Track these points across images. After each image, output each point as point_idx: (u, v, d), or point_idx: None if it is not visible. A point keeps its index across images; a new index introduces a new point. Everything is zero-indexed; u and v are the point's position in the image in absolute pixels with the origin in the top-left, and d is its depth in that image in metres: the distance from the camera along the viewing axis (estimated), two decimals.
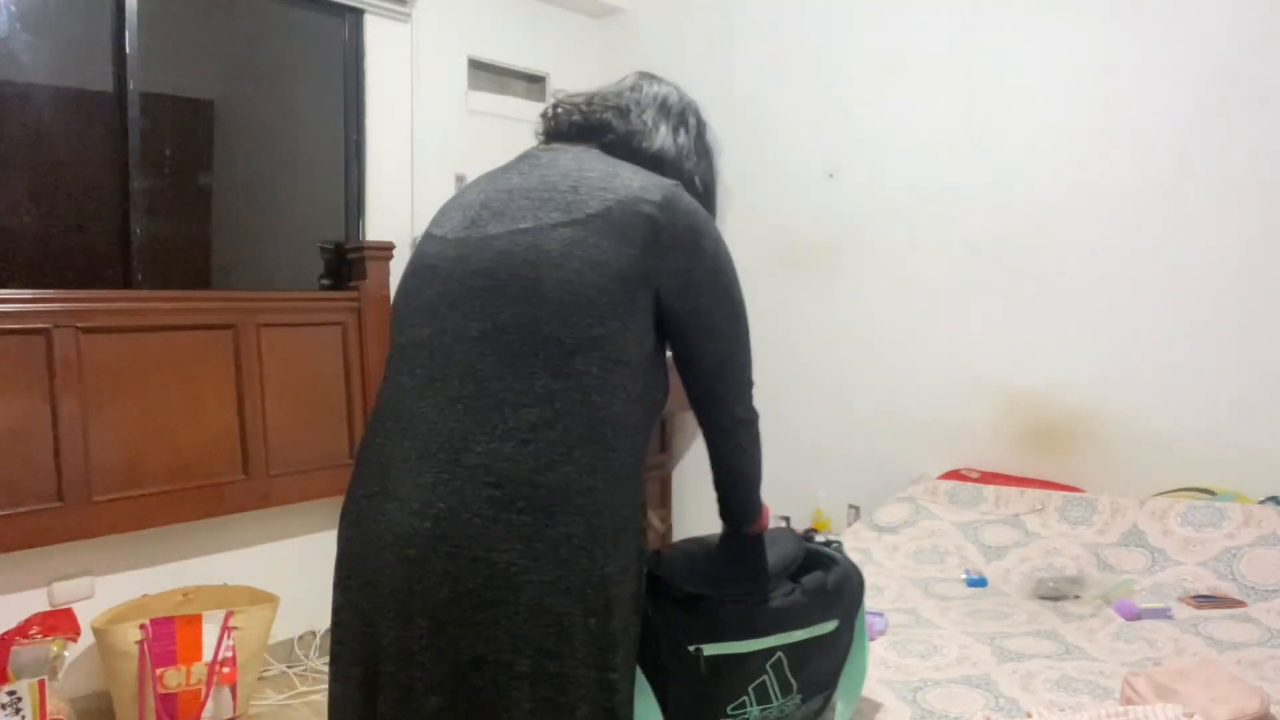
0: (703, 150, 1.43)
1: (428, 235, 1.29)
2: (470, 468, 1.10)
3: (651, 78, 1.43)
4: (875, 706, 1.56)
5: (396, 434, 1.18)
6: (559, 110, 1.37)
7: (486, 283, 1.17)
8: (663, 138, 1.36)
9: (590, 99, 1.37)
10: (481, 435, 1.11)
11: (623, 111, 1.36)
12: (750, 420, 1.34)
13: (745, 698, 1.27)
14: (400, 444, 1.17)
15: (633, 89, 1.39)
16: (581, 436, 1.12)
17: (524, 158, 1.32)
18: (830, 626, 1.35)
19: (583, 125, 1.35)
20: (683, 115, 1.41)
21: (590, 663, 1.10)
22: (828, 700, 1.43)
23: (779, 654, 1.29)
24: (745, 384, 1.32)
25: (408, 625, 1.11)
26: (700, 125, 1.44)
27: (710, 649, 1.23)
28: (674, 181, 1.25)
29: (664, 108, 1.39)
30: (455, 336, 1.17)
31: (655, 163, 1.33)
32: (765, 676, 1.28)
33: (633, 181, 1.21)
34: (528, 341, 1.13)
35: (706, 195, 1.41)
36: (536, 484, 1.09)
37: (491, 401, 1.12)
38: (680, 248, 1.20)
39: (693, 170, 1.39)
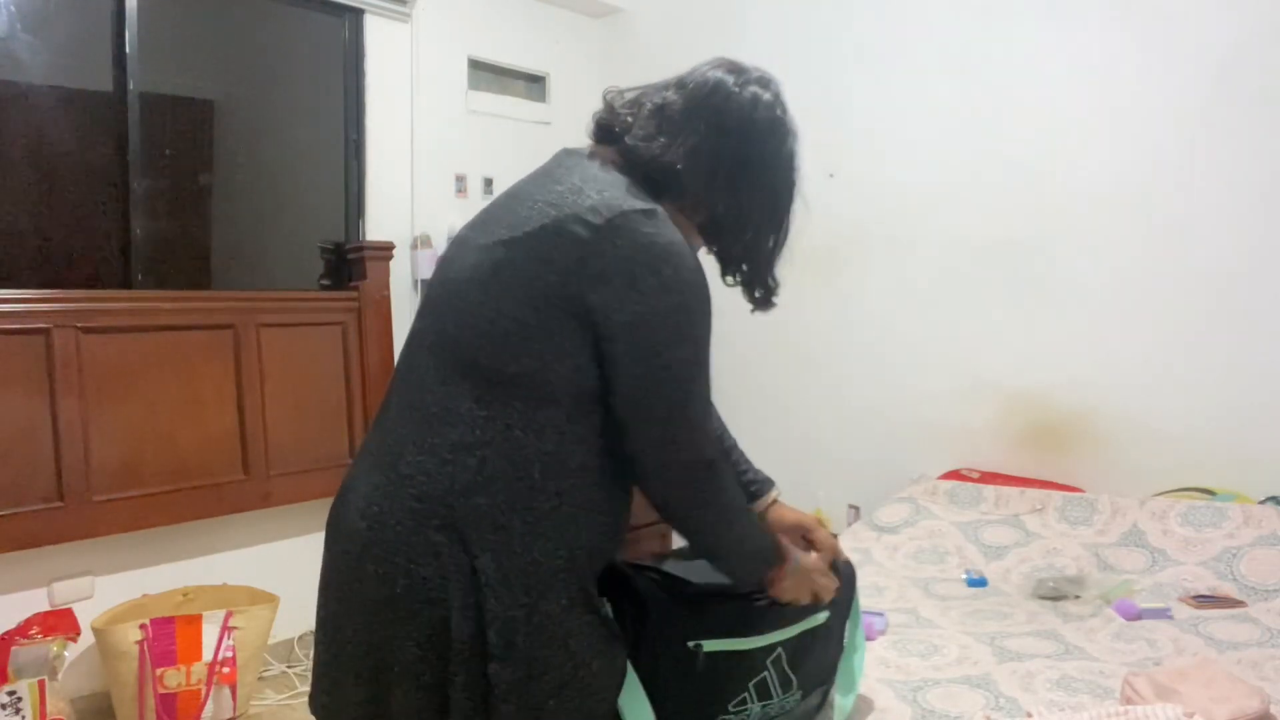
0: (745, 162, 1.18)
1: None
2: (402, 476, 1.10)
3: (721, 65, 1.21)
4: (875, 706, 1.55)
5: (377, 426, 1.21)
6: (601, 105, 1.24)
7: (444, 294, 1.16)
8: (663, 146, 1.14)
9: (638, 92, 1.22)
10: (413, 446, 1.11)
11: (638, 108, 1.18)
12: (672, 512, 1.16)
13: (746, 694, 1.27)
14: (374, 438, 1.20)
15: (679, 84, 1.20)
16: (502, 470, 1.07)
17: (551, 159, 1.23)
18: (822, 618, 1.35)
19: (605, 127, 1.21)
20: (717, 115, 1.16)
21: (474, 700, 1.07)
22: (826, 695, 1.43)
23: (779, 649, 1.29)
24: (651, 460, 1.11)
25: (346, 618, 1.14)
26: (750, 129, 1.18)
27: (710, 645, 1.23)
28: (646, 206, 1.08)
29: (695, 108, 1.17)
30: (420, 342, 1.18)
31: (670, 176, 1.14)
32: (766, 673, 1.28)
33: (588, 198, 1.07)
34: (459, 362, 1.11)
35: (736, 222, 1.20)
36: (452, 506, 1.08)
37: (425, 414, 1.11)
38: (608, 281, 1.04)
39: (717, 189, 1.17)
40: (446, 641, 1.07)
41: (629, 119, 1.19)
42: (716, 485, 1.16)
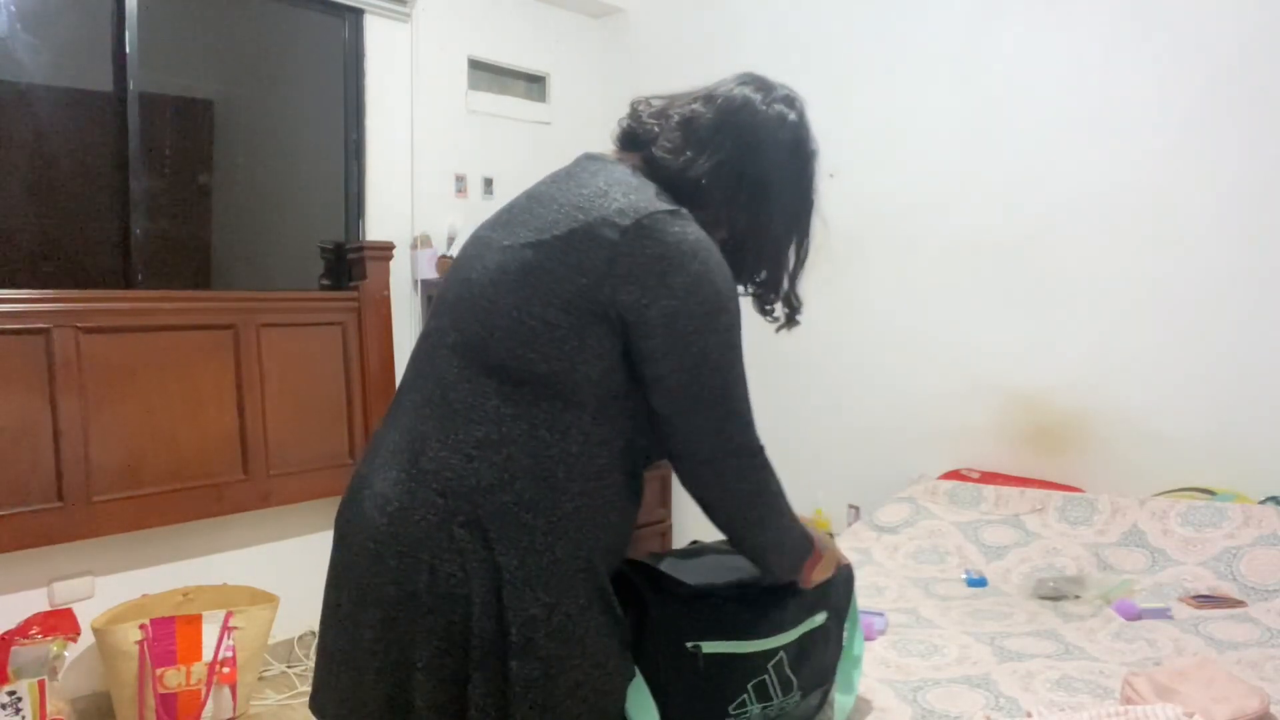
0: (767, 182, 1.20)
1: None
2: (424, 472, 1.11)
3: (750, 81, 1.24)
4: (875, 706, 1.55)
5: (391, 422, 1.20)
6: (628, 112, 1.25)
7: (465, 293, 1.16)
8: (688, 160, 1.17)
9: (665, 102, 1.23)
10: (436, 442, 1.11)
11: (664, 119, 1.21)
12: (726, 507, 1.18)
13: (745, 696, 1.27)
14: (389, 433, 1.19)
15: (707, 97, 1.22)
16: (526, 469, 1.08)
17: (573, 162, 1.23)
18: (820, 620, 1.35)
19: (630, 134, 1.23)
20: (743, 133, 1.19)
21: (493, 696, 1.08)
22: (825, 695, 1.43)
23: (780, 653, 1.29)
24: (702, 455, 1.14)
25: (363, 613, 1.13)
26: (774, 150, 1.20)
27: (709, 647, 1.23)
28: (673, 207, 1.11)
29: (722, 124, 1.19)
30: (439, 340, 1.18)
31: (693, 190, 1.16)
32: (766, 675, 1.28)
33: (615, 201, 1.10)
34: (485, 362, 1.12)
35: (756, 240, 1.23)
36: (476, 504, 1.08)
37: (449, 410, 1.12)
38: (638, 280, 1.07)
39: (739, 207, 1.20)
40: (468, 638, 1.08)
41: (655, 128, 1.21)
42: (767, 473, 1.18)
